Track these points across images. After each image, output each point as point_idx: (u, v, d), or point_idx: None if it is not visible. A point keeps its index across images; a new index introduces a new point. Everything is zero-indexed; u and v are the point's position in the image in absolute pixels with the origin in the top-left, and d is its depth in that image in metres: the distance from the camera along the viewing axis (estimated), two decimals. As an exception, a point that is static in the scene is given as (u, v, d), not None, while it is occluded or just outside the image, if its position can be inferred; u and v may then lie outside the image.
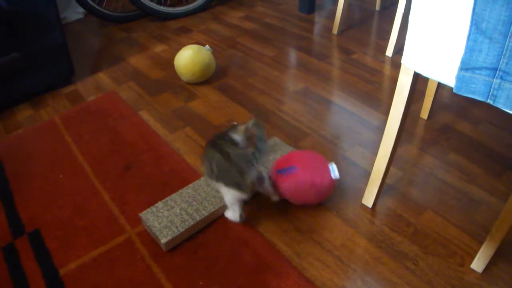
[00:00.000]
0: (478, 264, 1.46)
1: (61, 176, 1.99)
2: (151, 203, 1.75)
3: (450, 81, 1.20)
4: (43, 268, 1.61)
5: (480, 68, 1.08)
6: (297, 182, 1.62)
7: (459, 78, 1.14)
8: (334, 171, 1.63)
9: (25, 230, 1.75)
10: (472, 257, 1.49)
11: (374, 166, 1.62)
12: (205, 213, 1.65)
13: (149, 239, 1.66)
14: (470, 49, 1.09)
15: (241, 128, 1.67)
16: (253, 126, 1.60)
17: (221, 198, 1.70)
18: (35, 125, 2.37)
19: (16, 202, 1.87)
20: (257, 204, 1.76)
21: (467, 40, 1.08)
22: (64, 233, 1.72)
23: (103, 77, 2.80)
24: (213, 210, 1.67)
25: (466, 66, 1.11)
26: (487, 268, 1.45)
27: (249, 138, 1.66)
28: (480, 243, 1.50)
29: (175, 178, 1.91)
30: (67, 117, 2.40)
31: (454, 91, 1.16)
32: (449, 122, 2.11)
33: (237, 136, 1.67)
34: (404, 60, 1.34)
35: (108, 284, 1.53)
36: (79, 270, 1.58)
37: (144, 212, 1.69)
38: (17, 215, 1.81)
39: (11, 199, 1.89)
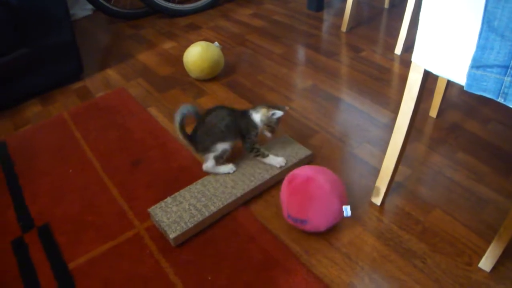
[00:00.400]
0: (486, 263, 1.46)
1: (70, 171, 2.00)
2: (159, 198, 1.75)
3: (461, 79, 1.19)
4: (52, 262, 1.61)
5: (491, 66, 1.08)
6: (307, 230, 1.61)
7: (470, 76, 1.14)
8: (346, 212, 1.56)
9: (34, 224, 1.76)
10: (480, 256, 1.48)
11: (383, 163, 1.62)
12: (213, 209, 1.66)
13: (158, 234, 1.66)
14: (482, 47, 1.08)
15: (264, 111, 1.79)
16: (274, 117, 1.79)
17: (230, 194, 1.71)
18: (44, 121, 2.38)
19: (25, 196, 1.88)
20: (265, 202, 1.76)
21: (479, 37, 1.08)
22: (73, 228, 1.73)
23: (111, 74, 2.80)
24: (222, 206, 1.67)
25: (477, 64, 1.11)
26: (495, 267, 1.45)
27: (267, 122, 1.79)
28: (488, 242, 1.49)
29: (183, 174, 1.91)
30: (75, 113, 2.41)
31: (465, 88, 1.16)
32: (458, 121, 2.11)
33: (257, 116, 1.81)
34: (415, 57, 1.34)
35: (116, 278, 1.54)
36: (88, 265, 1.59)
37: (153, 207, 1.69)
38: (26, 210, 1.82)
39: (20, 194, 1.90)
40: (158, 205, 1.70)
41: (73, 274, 1.57)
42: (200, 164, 1.93)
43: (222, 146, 1.79)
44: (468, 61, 1.14)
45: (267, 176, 1.78)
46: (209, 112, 1.80)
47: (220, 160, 1.81)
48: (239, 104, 2.36)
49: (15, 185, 1.94)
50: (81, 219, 1.77)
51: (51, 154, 2.11)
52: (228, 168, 1.83)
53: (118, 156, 2.06)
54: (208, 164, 1.82)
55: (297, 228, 1.62)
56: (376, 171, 1.81)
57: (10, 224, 1.77)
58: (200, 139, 1.80)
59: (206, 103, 2.40)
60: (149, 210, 1.69)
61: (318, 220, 1.54)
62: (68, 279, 1.55)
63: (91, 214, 1.78)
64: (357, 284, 1.45)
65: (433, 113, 2.14)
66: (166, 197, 1.74)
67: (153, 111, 2.38)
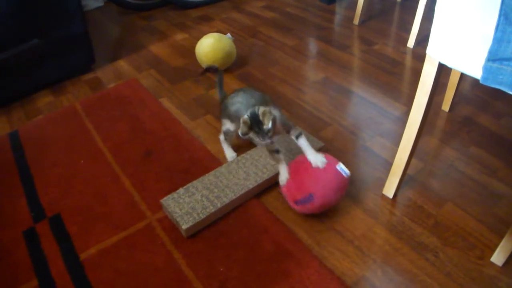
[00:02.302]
0: (498, 257, 1.45)
1: (81, 162, 2.01)
2: (171, 189, 1.75)
3: (476, 72, 1.19)
4: (64, 252, 1.62)
5: (508, 59, 1.07)
6: (319, 207, 1.59)
7: (486, 69, 1.13)
8: (344, 171, 1.59)
9: (45, 214, 1.77)
10: (492, 250, 1.48)
11: (396, 156, 1.61)
12: (226, 200, 1.66)
13: (170, 225, 1.67)
14: (499, 40, 1.08)
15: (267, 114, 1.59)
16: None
17: (243, 186, 1.72)
18: (56, 111, 2.39)
19: (36, 187, 1.89)
20: (278, 193, 1.76)
21: (496, 30, 1.07)
22: (84, 218, 1.74)
23: (123, 65, 2.81)
24: (234, 197, 1.68)
25: (493, 57, 1.10)
26: (507, 261, 1.44)
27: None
28: (501, 237, 1.49)
29: (195, 165, 1.92)
30: (87, 104, 2.42)
31: (481, 81, 1.15)
32: (471, 115, 2.10)
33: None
34: (429, 50, 1.33)
35: (128, 269, 1.55)
36: (99, 255, 1.60)
37: (165, 198, 1.70)
38: (37, 200, 1.83)
39: (32, 184, 1.91)
40: (170, 196, 1.70)
41: (84, 265, 1.57)
42: (212, 155, 1.93)
43: (227, 125, 1.84)
44: (483, 54, 1.13)
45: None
46: (245, 89, 1.82)
47: (226, 136, 1.89)
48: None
49: (27, 175, 1.95)
50: (93, 209, 1.77)
51: (63, 145, 2.12)
52: (229, 154, 1.92)
53: (130, 147, 2.07)
54: (221, 133, 1.92)
55: (309, 212, 1.62)
56: (388, 164, 1.81)
57: (22, 215, 1.78)
58: (222, 105, 1.87)
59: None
60: (162, 201, 1.69)
61: (323, 190, 1.55)
62: (79, 270, 1.56)
63: (103, 204, 1.79)
64: (369, 276, 1.45)
65: (446, 107, 2.13)
66: (178, 188, 1.74)
67: (165, 102, 2.38)
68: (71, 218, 1.74)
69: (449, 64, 1.28)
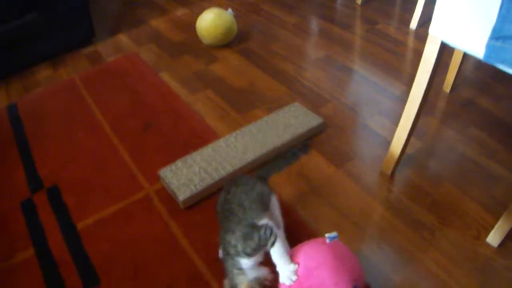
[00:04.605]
0: (494, 238, 1.46)
1: (80, 134, 2.00)
2: (169, 162, 1.75)
3: (478, 51, 1.18)
4: (61, 222, 1.63)
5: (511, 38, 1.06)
6: None
7: (489, 47, 1.12)
8: (331, 237, 1.28)
9: (43, 185, 1.77)
10: (488, 231, 1.48)
11: (395, 134, 1.61)
12: (223, 173, 1.66)
13: (167, 196, 1.67)
14: (503, 18, 1.07)
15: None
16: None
17: (241, 159, 1.72)
18: (55, 84, 2.38)
19: (35, 159, 1.89)
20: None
21: (500, 9, 1.06)
22: (82, 189, 1.74)
23: (123, 39, 2.79)
24: (232, 170, 1.68)
25: (497, 35, 1.09)
26: (503, 243, 1.45)
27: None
28: (497, 218, 1.48)
29: (194, 139, 1.91)
30: (86, 77, 2.41)
31: (483, 59, 1.14)
32: (472, 97, 2.09)
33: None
34: (432, 29, 1.32)
35: (125, 238, 1.55)
36: (96, 225, 1.60)
37: (163, 169, 1.70)
38: (35, 172, 1.83)
39: (30, 156, 1.91)
40: (168, 167, 1.70)
41: (81, 235, 1.58)
42: (211, 129, 1.93)
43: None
44: (486, 33, 1.12)
45: (278, 143, 1.77)
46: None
47: None
48: (251, 71, 2.36)
49: (25, 147, 1.95)
50: (90, 181, 1.77)
51: (61, 117, 2.11)
52: None
53: (129, 119, 2.06)
54: None
55: None
56: (387, 143, 1.80)
57: (19, 186, 1.78)
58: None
59: (219, 69, 2.39)
60: (159, 172, 1.69)
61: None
62: (76, 240, 1.56)
63: (100, 176, 1.79)
64: (365, 252, 1.46)
65: (447, 88, 2.12)
66: (176, 160, 1.74)
67: (164, 76, 2.37)
68: (69, 189, 1.74)
69: (451, 43, 1.28)
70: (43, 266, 1.49)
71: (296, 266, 1.20)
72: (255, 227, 1.21)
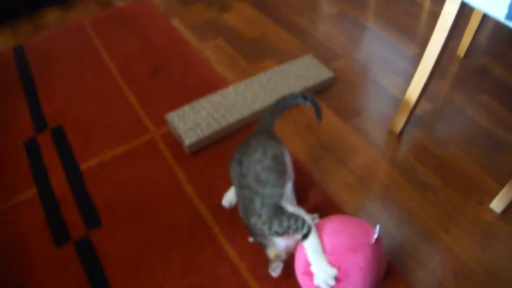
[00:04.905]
0: (497, 204, 1.45)
1: (87, 75, 1.98)
2: (177, 106, 1.74)
3: (499, 11, 1.15)
4: (64, 162, 1.62)
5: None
6: None
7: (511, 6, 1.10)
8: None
9: (47, 125, 1.76)
10: (492, 197, 1.47)
11: (407, 92, 1.58)
12: (231, 120, 1.65)
13: (173, 141, 1.66)
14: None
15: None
16: None
17: (250, 107, 1.70)
18: (63, 27, 2.34)
19: (40, 99, 1.87)
20: (283, 118, 1.75)
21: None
22: (87, 130, 1.73)
23: (134, -18, 2.74)
24: (239, 118, 1.66)
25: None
26: (506, 210, 1.44)
27: None
28: (502, 185, 1.48)
29: (203, 85, 1.89)
30: (96, 21, 2.37)
31: (504, 18, 1.11)
32: (485, 63, 2.06)
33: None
34: (453, -13, 1.29)
35: (128, 180, 1.55)
36: (100, 166, 1.60)
37: (170, 113, 1.68)
38: (40, 112, 1.81)
39: (36, 96, 1.89)
40: (175, 111, 1.69)
41: (84, 175, 1.57)
42: (220, 76, 1.90)
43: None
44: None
45: (287, 93, 1.74)
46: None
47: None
48: (264, 23, 2.32)
49: (31, 87, 1.93)
50: (96, 122, 1.76)
51: (69, 59, 2.09)
52: None
53: (137, 63, 2.03)
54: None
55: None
56: (397, 101, 1.78)
57: (24, 125, 1.77)
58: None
59: (231, 18, 2.35)
60: (166, 116, 1.68)
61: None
62: (79, 180, 1.56)
63: (106, 118, 1.78)
64: (369, 208, 1.46)
65: (461, 53, 2.09)
66: (183, 106, 1.72)
67: (175, 22, 2.33)
68: (74, 130, 1.73)
69: (472, 2, 1.24)
70: (45, 206, 1.50)
71: (336, 270, 1.08)
72: (281, 211, 1.16)
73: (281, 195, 1.20)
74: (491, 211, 1.46)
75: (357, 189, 1.51)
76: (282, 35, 2.22)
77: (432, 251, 1.35)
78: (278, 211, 1.16)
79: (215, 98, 1.74)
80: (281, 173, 1.22)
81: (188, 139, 1.57)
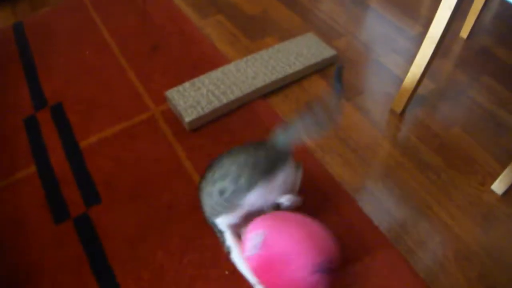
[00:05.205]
0: (499, 186, 1.45)
1: (87, 53, 1.96)
2: (177, 83, 1.71)
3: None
4: (64, 140, 1.61)
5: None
6: None
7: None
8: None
9: (47, 103, 1.74)
10: (493, 179, 1.47)
11: (409, 71, 1.57)
12: (232, 97, 1.63)
13: (173, 118, 1.64)
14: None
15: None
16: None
17: (250, 85, 1.69)
18: (63, 4, 2.31)
19: (40, 77, 1.85)
20: (285, 96, 1.74)
21: None
22: (86, 108, 1.71)
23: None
24: (240, 95, 1.64)
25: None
26: (507, 191, 1.44)
27: None
28: (503, 167, 1.46)
29: (203, 62, 1.87)
30: (95, -2, 2.35)
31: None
32: (488, 45, 2.04)
33: None
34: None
35: (128, 157, 1.54)
36: (100, 143, 1.59)
37: (170, 90, 1.67)
38: (40, 89, 1.79)
39: (35, 74, 1.87)
40: (175, 88, 1.67)
41: (84, 153, 1.56)
42: (220, 53, 1.88)
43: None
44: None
45: (289, 71, 1.74)
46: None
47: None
48: (264, 0, 2.29)
49: (30, 64, 1.91)
50: (95, 99, 1.75)
51: (68, 36, 2.06)
52: None
53: (137, 40, 2.01)
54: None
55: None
56: (399, 80, 1.76)
57: (23, 103, 1.75)
58: None
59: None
60: (166, 93, 1.66)
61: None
62: (78, 157, 1.55)
63: (106, 95, 1.76)
64: (370, 186, 1.45)
65: (464, 33, 2.07)
66: (184, 82, 1.70)
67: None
68: (73, 107, 1.72)
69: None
70: (44, 184, 1.48)
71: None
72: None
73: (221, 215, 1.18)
74: (493, 192, 1.45)
75: (358, 168, 1.50)
76: (283, 12, 2.20)
77: (433, 231, 1.35)
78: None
79: (215, 75, 1.72)
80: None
81: (189, 116, 1.56)
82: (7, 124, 1.68)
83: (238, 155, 1.17)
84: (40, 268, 1.29)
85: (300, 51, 1.82)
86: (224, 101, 1.61)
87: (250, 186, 1.12)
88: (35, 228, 1.37)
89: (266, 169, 1.13)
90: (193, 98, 1.62)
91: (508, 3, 2.23)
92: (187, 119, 1.55)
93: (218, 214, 1.18)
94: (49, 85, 1.81)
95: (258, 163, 1.14)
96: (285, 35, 2.02)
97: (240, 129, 1.61)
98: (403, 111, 1.67)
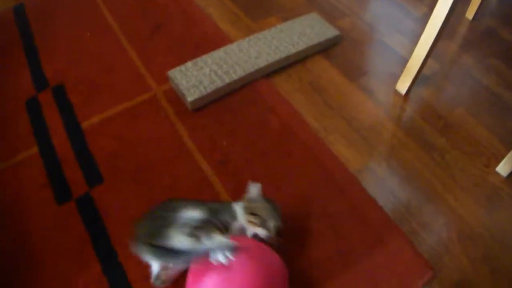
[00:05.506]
0: (504, 168, 1.43)
1: (88, 34, 1.94)
2: (179, 63, 1.70)
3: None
4: (66, 121, 1.60)
5: None
6: None
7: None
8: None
9: (49, 84, 1.72)
10: (498, 161, 1.46)
11: (414, 51, 1.55)
12: (235, 76, 1.61)
13: (175, 98, 1.63)
14: None
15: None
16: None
17: (253, 64, 1.67)
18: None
19: (41, 58, 1.83)
20: (288, 76, 1.73)
21: None
22: (88, 89, 1.70)
23: None
24: (243, 74, 1.63)
25: None
26: (512, 173, 1.42)
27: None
28: (509, 149, 1.45)
29: (206, 42, 1.85)
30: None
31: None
32: (494, 27, 2.02)
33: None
34: None
35: (130, 136, 1.53)
36: (101, 124, 1.58)
37: (172, 70, 1.65)
38: (41, 71, 1.78)
39: (36, 56, 1.85)
40: (178, 68, 1.66)
41: (86, 134, 1.55)
42: (223, 33, 1.87)
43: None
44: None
45: (292, 50, 1.72)
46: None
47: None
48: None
49: (31, 47, 1.89)
50: (97, 80, 1.73)
51: (70, 18, 2.04)
52: None
53: (139, 20, 1.99)
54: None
55: None
56: (404, 61, 1.74)
57: (24, 85, 1.73)
58: None
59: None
60: (169, 72, 1.65)
61: None
62: (81, 138, 1.54)
63: (107, 76, 1.75)
64: (373, 167, 1.44)
65: (470, 15, 2.05)
66: (186, 62, 1.69)
67: (177, -22, 2.28)
68: (75, 88, 1.70)
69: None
70: (46, 164, 1.48)
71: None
72: None
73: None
74: (497, 174, 1.44)
75: (361, 149, 1.49)
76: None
77: (437, 212, 1.34)
78: None
79: (218, 54, 1.71)
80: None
81: (191, 96, 1.55)
82: (9, 106, 1.67)
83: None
84: (42, 249, 1.28)
85: (304, 31, 1.80)
86: (227, 80, 1.60)
87: None
88: (37, 209, 1.37)
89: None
90: (196, 78, 1.61)
91: (515, -16, 2.20)
92: (190, 98, 1.54)
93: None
94: (50, 67, 1.80)
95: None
96: (288, 15, 1.99)
97: (242, 109, 1.60)
98: (408, 91, 1.66)
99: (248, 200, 1.15)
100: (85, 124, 1.58)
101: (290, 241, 1.24)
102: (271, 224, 1.11)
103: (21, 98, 1.68)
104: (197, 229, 1.07)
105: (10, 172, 1.47)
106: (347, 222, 1.31)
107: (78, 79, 1.74)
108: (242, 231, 1.14)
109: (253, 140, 1.50)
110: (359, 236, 1.28)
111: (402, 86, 1.65)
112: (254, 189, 1.16)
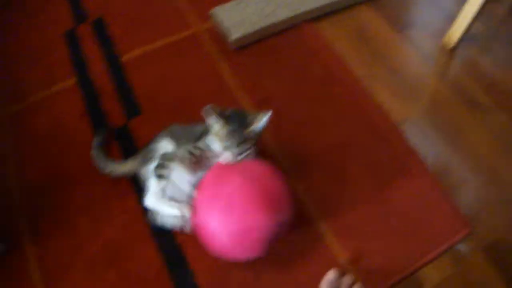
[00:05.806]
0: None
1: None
2: (223, 1, 1.67)
3: None
4: (105, 53, 1.60)
5: None
6: None
7: None
8: None
9: (88, 17, 1.72)
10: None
11: (464, 7, 1.51)
12: (279, 18, 1.59)
13: (218, 36, 1.61)
14: None
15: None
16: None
17: (299, 6, 1.62)
18: None
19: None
20: (336, 21, 1.69)
21: None
22: (129, 22, 1.69)
23: None
24: (288, 16, 1.60)
25: None
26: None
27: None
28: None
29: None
30: None
31: None
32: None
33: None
34: None
35: (170, 73, 1.53)
36: (141, 58, 1.57)
37: (216, 8, 1.63)
38: (80, 4, 1.77)
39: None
40: (221, 6, 1.63)
41: (125, 66, 1.55)
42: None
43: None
44: None
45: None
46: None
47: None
48: None
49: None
50: (138, 14, 1.72)
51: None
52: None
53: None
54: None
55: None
56: (453, 16, 1.68)
57: (63, 17, 1.73)
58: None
59: None
60: (212, 10, 1.62)
61: None
62: (119, 71, 1.54)
63: (149, 10, 1.73)
64: (415, 119, 1.42)
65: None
66: (230, 1, 1.66)
67: None
68: (115, 22, 1.70)
69: None
70: (84, 95, 1.49)
71: None
72: None
73: None
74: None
75: (404, 100, 1.46)
76: None
77: (477, 171, 1.32)
78: None
79: (262, -5, 1.67)
80: None
81: (235, 34, 1.53)
82: (47, 38, 1.67)
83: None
84: (75, 176, 1.31)
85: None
86: (272, 21, 1.57)
87: None
88: (74, 138, 1.39)
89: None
90: (240, 16, 1.58)
91: None
92: (233, 36, 1.52)
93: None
94: (90, 0, 1.79)
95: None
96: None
97: (286, 51, 1.58)
98: (455, 47, 1.61)
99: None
100: (124, 58, 1.58)
101: (328, 184, 1.25)
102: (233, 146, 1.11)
103: (59, 29, 1.68)
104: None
105: (49, 101, 1.49)
106: (387, 172, 1.30)
107: (118, 12, 1.73)
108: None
109: (295, 83, 1.49)
110: (397, 185, 1.27)
111: (449, 41, 1.61)
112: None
